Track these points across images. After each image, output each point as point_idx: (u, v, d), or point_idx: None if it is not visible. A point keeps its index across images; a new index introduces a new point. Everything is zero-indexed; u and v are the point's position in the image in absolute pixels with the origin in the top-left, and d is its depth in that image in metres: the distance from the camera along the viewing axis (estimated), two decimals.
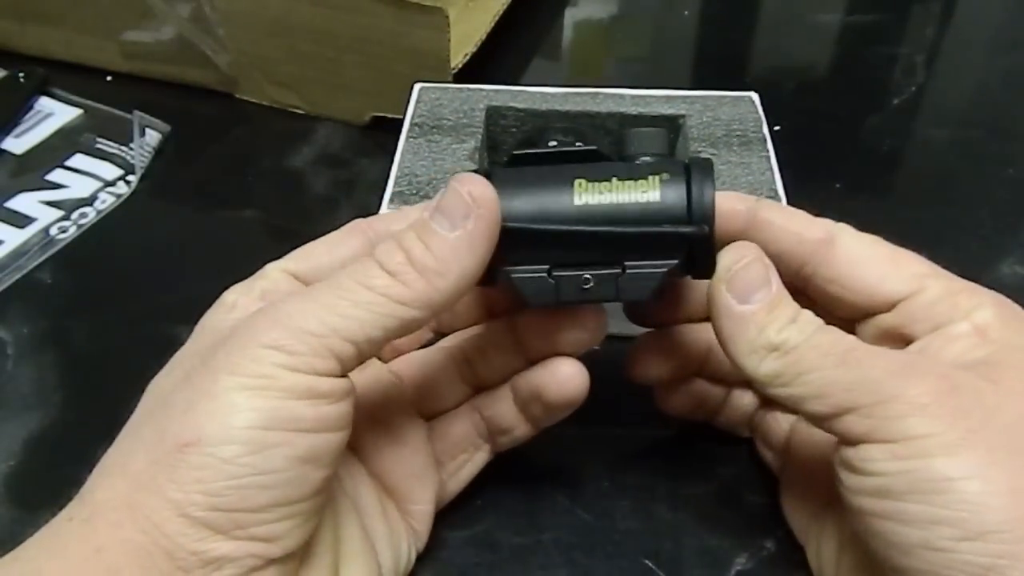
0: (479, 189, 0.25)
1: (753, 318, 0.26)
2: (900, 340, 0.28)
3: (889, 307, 0.28)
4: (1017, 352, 0.26)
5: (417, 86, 0.43)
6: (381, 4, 0.47)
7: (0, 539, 0.32)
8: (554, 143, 0.29)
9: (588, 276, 0.27)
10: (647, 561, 0.32)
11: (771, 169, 0.37)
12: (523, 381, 0.30)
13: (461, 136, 0.40)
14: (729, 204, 0.29)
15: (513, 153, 0.29)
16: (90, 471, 0.24)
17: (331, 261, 0.28)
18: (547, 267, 0.27)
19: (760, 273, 0.27)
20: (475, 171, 0.27)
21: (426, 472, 0.31)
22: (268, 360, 0.24)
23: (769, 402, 0.33)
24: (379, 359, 0.32)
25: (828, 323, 0.27)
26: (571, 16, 0.65)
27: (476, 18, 0.51)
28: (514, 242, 0.26)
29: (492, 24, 0.53)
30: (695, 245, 0.27)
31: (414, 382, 0.32)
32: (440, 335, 0.33)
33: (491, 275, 0.27)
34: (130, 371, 0.39)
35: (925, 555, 0.23)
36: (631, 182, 0.27)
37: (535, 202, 0.27)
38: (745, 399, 0.33)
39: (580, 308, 0.29)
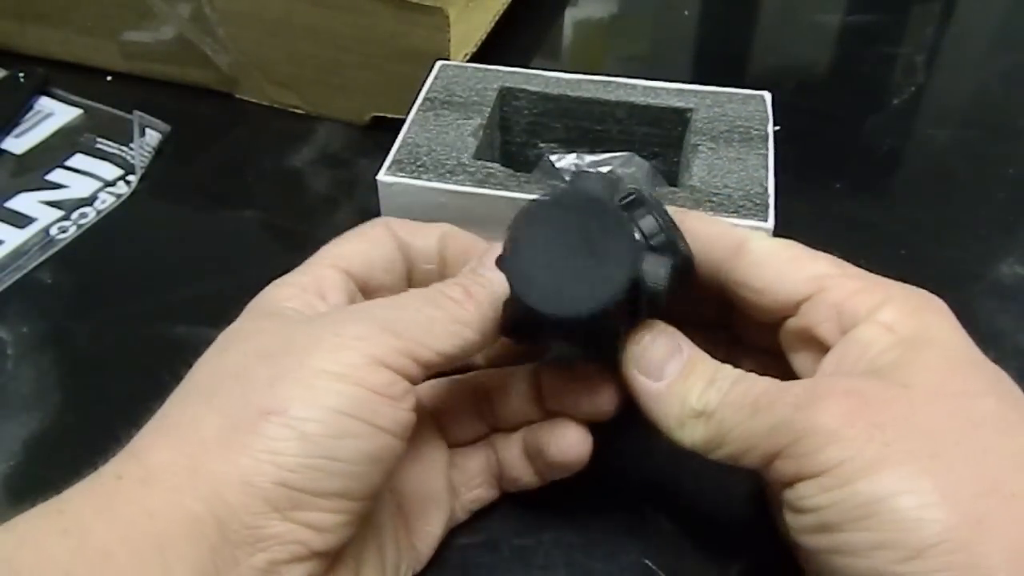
0: (492, 274, 0.28)
1: (671, 391, 0.27)
2: (814, 342, 0.28)
3: (793, 308, 0.28)
4: (926, 347, 0.25)
5: (438, 63, 0.43)
6: (381, 4, 0.47)
7: None
8: None
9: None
10: (647, 561, 0.32)
11: (765, 167, 0.37)
12: (531, 434, 0.31)
13: (469, 113, 0.40)
14: None
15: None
16: (90, 471, 0.24)
17: (378, 258, 0.30)
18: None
19: (667, 345, 0.28)
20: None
21: (442, 496, 0.31)
22: (358, 350, 0.24)
23: None
24: None
25: (753, 330, 0.28)
26: (571, 16, 0.65)
27: (476, 18, 0.51)
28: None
29: (492, 24, 0.53)
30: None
31: (436, 407, 0.32)
32: (465, 369, 0.33)
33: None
34: (130, 371, 0.39)
35: None
36: None
37: None
38: None
39: (597, 379, 0.30)
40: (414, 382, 0.26)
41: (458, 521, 0.32)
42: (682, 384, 0.27)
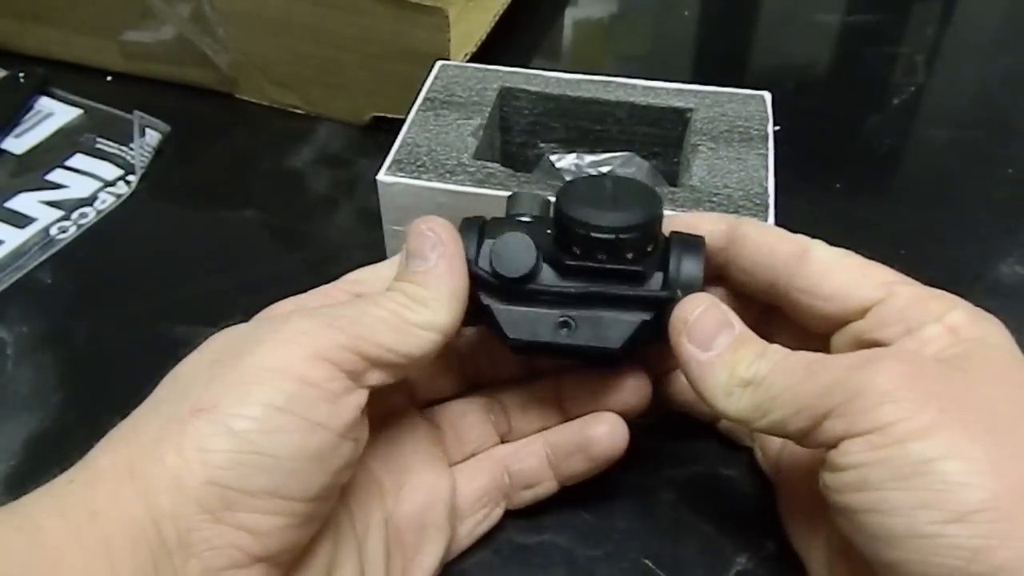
0: (434, 223, 0.28)
1: (720, 361, 0.27)
2: (874, 347, 0.28)
3: (861, 313, 0.28)
4: (989, 349, 0.26)
5: (438, 63, 0.43)
6: (381, 4, 0.47)
7: None
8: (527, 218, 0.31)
9: (566, 318, 0.29)
10: (647, 561, 0.32)
11: (765, 167, 0.37)
12: (562, 435, 0.31)
13: (469, 113, 0.40)
14: (712, 224, 0.30)
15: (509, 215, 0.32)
16: None
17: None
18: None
19: (718, 318, 0.28)
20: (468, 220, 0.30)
21: (444, 525, 0.30)
22: (298, 346, 0.24)
23: None
24: (414, 407, 0.32)
25: (804, 339, 0.28)
26: (571, 16, 0.65)
27: (476, 18, 0.51)
28: (506, 290, 0.29)
29: (492, 24, 0.53)
30: (666, 306, 0.28)
31: (442, 426, 0.32)
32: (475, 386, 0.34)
33: (476, 315, 0.29)
34: (130, 371, 0.39)
35: (912, 544, 0.22)
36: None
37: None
38: None
39: (622, 373, 0.31)
40: (364, 382, 0.26)
41: (462, 549, 0.32)
42: (732, 355, 0.27)
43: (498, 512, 0.32)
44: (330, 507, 0.26)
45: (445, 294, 0.27)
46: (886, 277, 0.28)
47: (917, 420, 0.23)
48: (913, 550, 0.22)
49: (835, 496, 0.25)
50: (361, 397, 0.26)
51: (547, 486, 0.32)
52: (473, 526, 0.32)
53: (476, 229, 0.30)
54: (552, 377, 0.32)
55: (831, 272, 0.29)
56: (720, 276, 0.31)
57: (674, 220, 0.30)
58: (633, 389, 0.31)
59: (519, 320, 0.29)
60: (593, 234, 0.28)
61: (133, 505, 0.22)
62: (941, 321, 0.27)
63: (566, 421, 0.32)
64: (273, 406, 0.23)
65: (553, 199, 0.30)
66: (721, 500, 0.33)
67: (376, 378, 0.26)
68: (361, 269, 0.30)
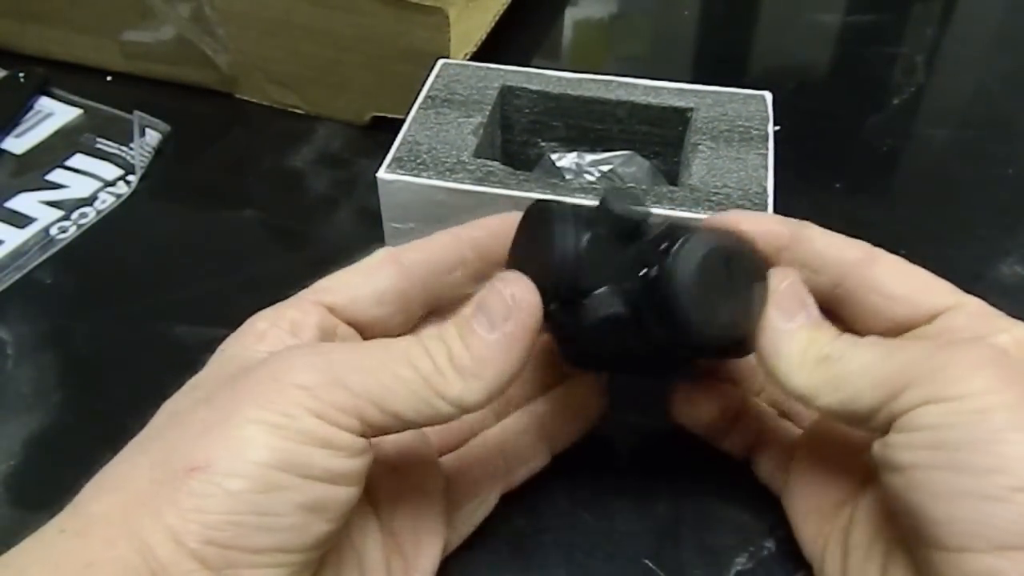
0: (521, 291, 0.25)
1: (801, 333, 0.27)
2: None
3: (930, 318, 0.28)
4: None
5: (439, 62, 0.43)
6: (381, 4, 0.47)
7: (0, 539, 0.32)
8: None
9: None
10: (647, 561, 0.32)
11: (765, 167, 0.37)
12: (550, 405, 0.32)
13: (470, 111, 0.40)
14: (771, 226, 0.30)
15: None
16: (91, 472, 0.24)
17: (369, 294, 0.29)
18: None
19: (802, 294, 0.28)
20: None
21: (438, 520, 0.30)
22: (295, 400, 0.23)
23: (777, 414, 0.33)
24: None
25: None
26: (571, 16, 0.65)
27: (476, 18, 0.51)
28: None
29: (492, 24, 0.53)
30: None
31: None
32: None
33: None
34: (130, 371, 0.39)
35: (976, 504, 0.23)
36: None
37: None
38: (760, 408, 0.33)
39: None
40: (365, 435, 0.24)
41: (462, 538, 0.31)
42: (812, 330, 0.27)
43: (493, 498, 0.32)
44: (332, 544, 0.26)
45: (491, 377, 0.25)
46: (955, 289, 0.29)
47: (1001, 396, 0.23)
48: (977, 509, 0.23)
49: (901, 453, 0.24)
50: (363, 444, 0.24)
51: (541, 459, 0.32)
52: (470, 514, 0.31)
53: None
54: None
55: (902, 276, 0.29)
56: None
57: (739, 220, 0.30)
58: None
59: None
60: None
61: (129, 556, 0.22)
62: (1010, 333, 0.27)
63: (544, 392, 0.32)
64: (268, 465, 0.22)
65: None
66: (720, 499, 0.33)
67: (382, 431, 0.25)
68: (329, 276, 0.29)
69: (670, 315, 0.26)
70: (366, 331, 0.29)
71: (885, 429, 0.25)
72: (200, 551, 0.22)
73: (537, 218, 0.28)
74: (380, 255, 0.30)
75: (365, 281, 0.29)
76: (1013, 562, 0.22)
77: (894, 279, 0.29)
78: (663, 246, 0.26)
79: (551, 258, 0.26)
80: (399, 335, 0.29)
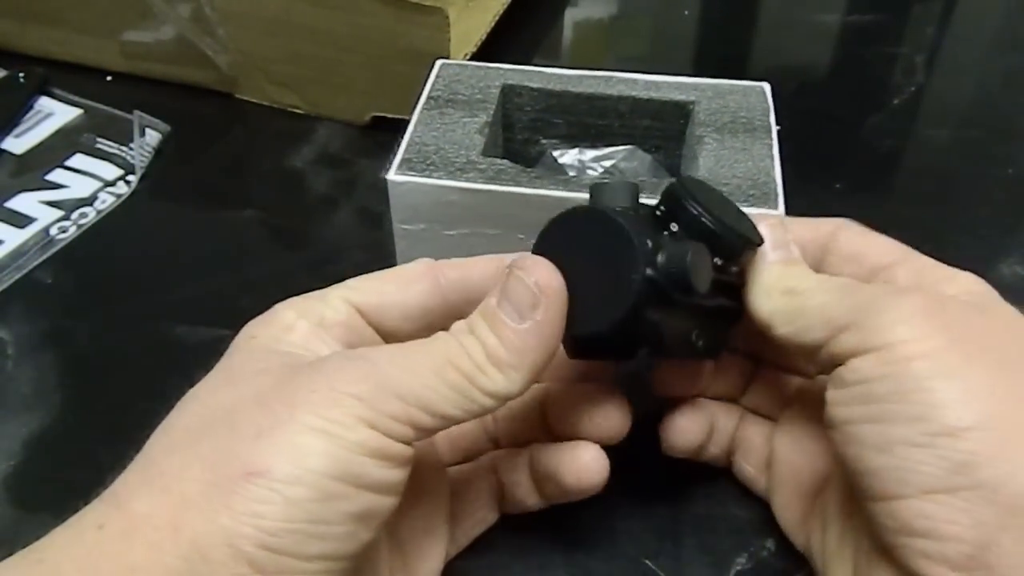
0: (545, 277, 0.25)
1: (775, 263, 0.28)
2: None
3: (872, 275, 0.29)
4: (1002, 304, 0.27)
5: (438, 62, 0.43)
6: (381, 4, 0.47)
7: (0, 539, 0.32)
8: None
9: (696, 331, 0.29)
10: (647, 561, 0.32)
11: (771, 156, 0.37)
12: (543, 456, 0.30)
13: (474, 111, 0.40)
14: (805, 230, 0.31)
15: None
16: (90, 472, 0.24)
17: (400, 305, 0.28)
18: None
19: (785, 237, 0.29)
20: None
21: (442, 528, 0.30)
22: (351, 410, 0.23)
23: (751, 417, 0.33)
24: None
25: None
26: (571, 16, 0.65)
27: (476, 18, 0.51)
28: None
29: (492, 24, 0.53)
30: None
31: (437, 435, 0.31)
32: None
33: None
34: (130, 371, 0.39)
35: (904, 451, 0.24)
36: None
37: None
38: (732, 413, 0.33)
39: (605, 396, 0.30)
40: (413, 441, 0.24)
41: (460, 548, 0.31)
42: (785, 265, 0.28)
43: (493, 516, 0.32)
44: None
45: (527, 367, 0.25)
46: (892, 243, 0.30)
47: (929, 342, 0.24)
48: (903, 456, 0.24)
49: (836, 410, 0.26)
50: (410, 452, 0.24)
51: (534, 501, 0.31)
52: (470, 527, 0.31)
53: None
54: (538, 391, 0.31)
55: (857, 239, 0.30)
56: None
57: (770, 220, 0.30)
58: (613, 412, 0.30)
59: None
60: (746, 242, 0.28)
61: (175, 561, 0.21)
62: (955, 280, 0.28)
63: (551, 437, 0.31)
64: (327, 474, 0.22)
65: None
66: (720, 499, 0.33)
67: (429, 433, 0.25)
68: (364, 277, 0.29)
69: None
70: (387, 338, 0.29)
71: (827, 369, 0.26)
72: (254, 555, 0.22)
73: (595, 223, 0.27)
74: (420, 267, 0.29)
75: (399, 292, 0.29)
76: (940, 505, 0.23)
77: (849, 243, 0.30)
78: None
79: (637, 263, 0.26)
80: None
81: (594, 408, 0.30)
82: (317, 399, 0.23)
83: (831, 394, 0.26)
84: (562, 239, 0.27)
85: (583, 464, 0.29)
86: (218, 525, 0.22)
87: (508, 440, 0.32)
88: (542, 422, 0.31)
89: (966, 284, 0.28)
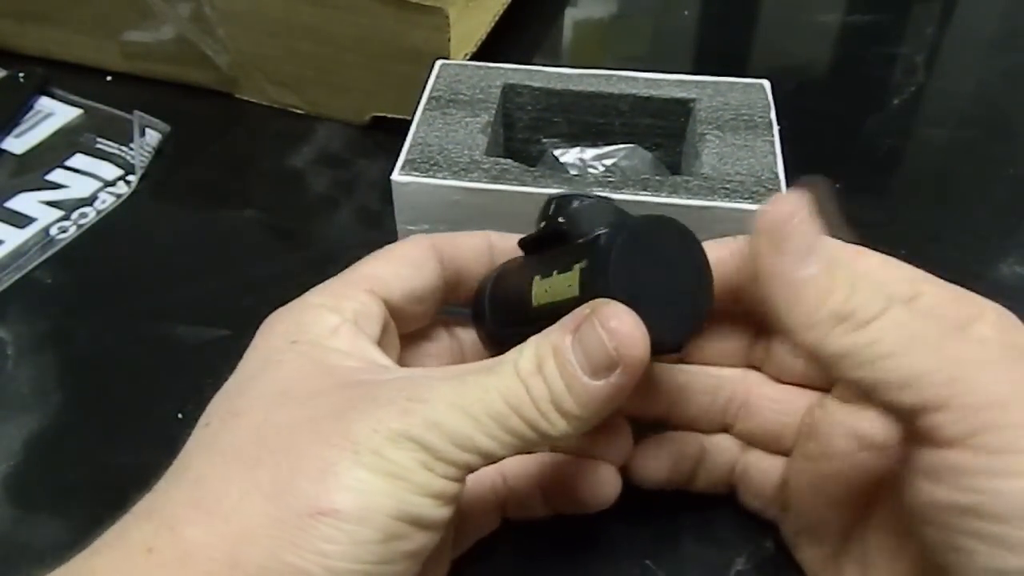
0: (628, 336, 0.23)
1: (815, 283, 0.23)
2: None
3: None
4: None
5: (438, 63, 0.43)
6: (381, 4, 0.47)
7: (0, 539, 0.32)
8: (542, 223, 0.28)
9: None
10: (647, 561, 0.32)
11: (774, 153, 0.37)
12: (556, 469, 0.30)
13: (476, 110, 0.40)
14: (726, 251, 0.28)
15: (520, 241, 0.29)
16: (90, 472, 0.24)
17: (418, 286, 0.28)
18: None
19: (812, 230, 0.24)
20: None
21: (447, 540, 0.29)
22: (411, 454, 0.23)
23: (749, 447, 0.32)
24: None
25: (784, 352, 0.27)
26: (571, 16, 0.65)
27: (476, 18, 0.51)
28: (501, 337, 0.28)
29: (492, 24, 0.53)
30: None
31: None
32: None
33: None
34: (130, 371, 0.39)
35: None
36: (564, 275, 0.26)
37: (507, 303, 0.28)
38: (724, 445, 0.32)
39: (600, 473, 0.29)
40: (464, 479, 0.24)
41: (461, 551, 0.31)
42: (827, 277, 0.23)
43: (496, 521, 0.32)
44: None
45: (592, 419, 0.24)
46: (913, 274, 0.27)
47: None
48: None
49: (935, 513, 0.23)
50: (460, 493, 0.24)
51: (539, 511, 0.31)
52: (473, 532, 0.31)
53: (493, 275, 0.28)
54: (538, 460, 0.31)
55: (863, 265, 0.27)
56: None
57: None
58: (606, 483, 0.29)
59: None
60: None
61: None
62: (984, 320, 0.25)
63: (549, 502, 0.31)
64: (392, 516, 0.22)
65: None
66: (720, 499, 0.33)
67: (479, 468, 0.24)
68: (375, 262, 0.28)
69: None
70: (399, 323, 0.29)
71: (912, 429, 0.23)
72: None
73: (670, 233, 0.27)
74: (422, 244, 0.29)
75: (415, 277, 0.28)
76: None
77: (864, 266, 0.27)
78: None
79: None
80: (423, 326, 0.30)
81: (597, 434, 0.29)
82: (379, 441, 0.23)
83: (929, 489, 0.22)
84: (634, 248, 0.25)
85: (598, 478, 0.29)
86: (283, 562, 0.21)
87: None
88: (542, 493, 0.31)
89: (997, 322, 0.25)
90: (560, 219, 0.27)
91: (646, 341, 0.23)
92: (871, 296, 0.23)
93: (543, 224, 0.28)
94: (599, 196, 0.28)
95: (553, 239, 0.27)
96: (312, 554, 0.21)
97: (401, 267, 0.28)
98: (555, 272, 0.26)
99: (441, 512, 0.23)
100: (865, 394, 0.23)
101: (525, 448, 0.24)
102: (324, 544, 0.22)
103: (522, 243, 0.29)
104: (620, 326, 0.23)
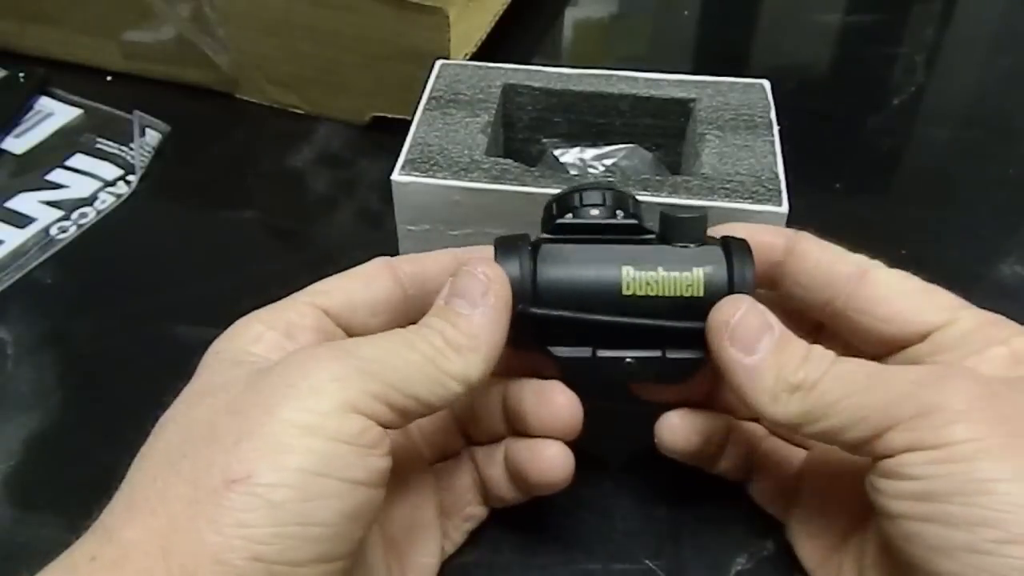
0: (490, 267, 0.27)
1: (765, 365, 0.26)
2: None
3: (922, 337, 0.28)
4: None
5: (438, 63, 0.43)
6: (381, 4, 0.47)
7: (0, 539, 0.32)
8: (596, 211, 0.29)
9: (630, 360, 0.29)
10: (647, 561, 0.32)
11: (774, 152, 0.37)
12: (512, 452, 0.30)
13: (476, 111, 0.40)
14: (768, 237, 0.30)
15: (556, 223, 0.30)
16: (90, 472, 0.24)
17: (368, 302, 0.29)
18: (591, 348, 0.29)
19: (759, 320, 0.27)
20: (517, 241, 0.29)
21: (433, 523, 0.30)
22: (333, 395, 0.23)
23: (778, 441, 0.32)
24: None
25: (856, 357, 0.27)
26: (571, 16, 0.65)
27: (476, 18, 0.51)
28: (561, 326, 0.28)
29: (492, 24, 0.53)
30: None
31: (417, 427, 0.31)
32: None
33: (527, 344, 0.29)
34: (130, 371, 0.39)
35: (967, 558, 0.23)
36: (677, 275, 0.28)
37: (584, 287, 0.28)
38: (752, 428, 0.33)
39: (552, 391, 0.30)
40: (390, 427, 0.24)
41: (456, 545, 0.31)
42: (777, 358, 0.26)
43: (481, 510, 0.32)
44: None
45: (484, 348, 0.26)
46: (949, 301, 0.28)
47: (988, 441, 0.23)
48: (967, 564, 0.23)
49: (891, 502, 0.25)
50: (388, 444, 0.24)
51: (514, 496, 0.31)
52: (461, 521, 0.31)
53: (527, 254, 0.28)
54: (500, 388, 0.31)
55: (892, 295, 0.28)
56: (773, 288, 0.31)
57: (733, 228, 0.30)
58: (560, 410, 0.29)
59: (587, 365, 0.29)
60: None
61: None
62: (1006, 344, 0.27)
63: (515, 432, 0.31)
64: (311, 472, 0.22)
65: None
66: (720, 499, 0.33)
67: (404, 420, 0.25)
68: (326, 280, 0.29)
69: None
70: (354, 334, 0.29)
71: (874, 458, 0.25)
72: (245, 569, 0.21)
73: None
74: (377, 264, 0.30)
75: (363, 289, 0.29)
76: None
77: (884, 298, 0.28)
78: None
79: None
80: None
81: (541, 403, 0.29)
82: (295, 392, 0.23)
83: (882, 484, 0.25)
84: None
85: (546, 459, 0.29)
86: (205, 544, 0.21)
87: (483, 436, 0.32)
88: (505, 423, 0.31)
89: (1021, 345, 0.27)
90: (618, 211, 0.29)
91: (504, 273, 0.27)
92: (819, 360, 0.26)
93: (597, 212, 0.29)
94: (619, 187, 0.30)
95: (615, 229, 0.29)
96: (231, 527, 0.21)
97: (348, 281, 0.29)
98: (659, 269, 0.28)
99: (369, 463, 0.23)
100: (828, 444, 0.26)
101: (442, 392, 0.25)
102: (241, 514, 0.21)
103: (556, 227, 0.30)
104: (482, 261, 0.27)
